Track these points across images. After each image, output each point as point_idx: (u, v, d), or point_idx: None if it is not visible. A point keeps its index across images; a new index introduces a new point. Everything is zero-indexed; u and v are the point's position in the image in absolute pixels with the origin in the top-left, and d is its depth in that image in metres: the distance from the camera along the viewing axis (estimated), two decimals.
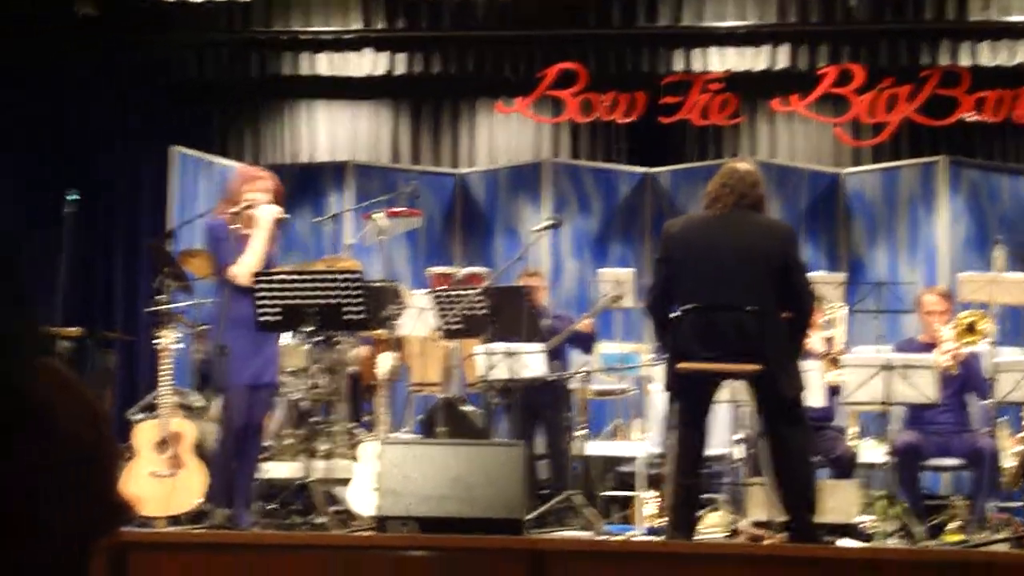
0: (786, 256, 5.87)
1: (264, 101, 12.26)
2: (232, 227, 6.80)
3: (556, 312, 9.00)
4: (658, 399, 7.90)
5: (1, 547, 1.09)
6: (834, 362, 7.79)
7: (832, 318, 8.06)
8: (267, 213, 6.82)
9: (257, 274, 6.64)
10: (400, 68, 11.24)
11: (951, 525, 7.65)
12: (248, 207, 6.87)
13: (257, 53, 11.32)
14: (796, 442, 5.89)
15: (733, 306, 5.80)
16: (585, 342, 8.66)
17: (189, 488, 6.96)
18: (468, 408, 8.81)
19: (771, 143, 11.78)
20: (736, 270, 5.82)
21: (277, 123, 12.24)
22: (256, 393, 6.82)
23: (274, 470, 8.10)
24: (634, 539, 7.05)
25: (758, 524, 6.31)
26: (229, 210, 6.85)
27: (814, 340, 7.63)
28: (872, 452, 8.23)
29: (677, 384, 5.92)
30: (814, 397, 7.05)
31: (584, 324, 8.52)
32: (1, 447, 1.09)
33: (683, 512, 5.90)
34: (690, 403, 5.92)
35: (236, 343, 6.72)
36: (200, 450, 7.25)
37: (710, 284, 5.84)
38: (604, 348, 9.16)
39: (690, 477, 5.90)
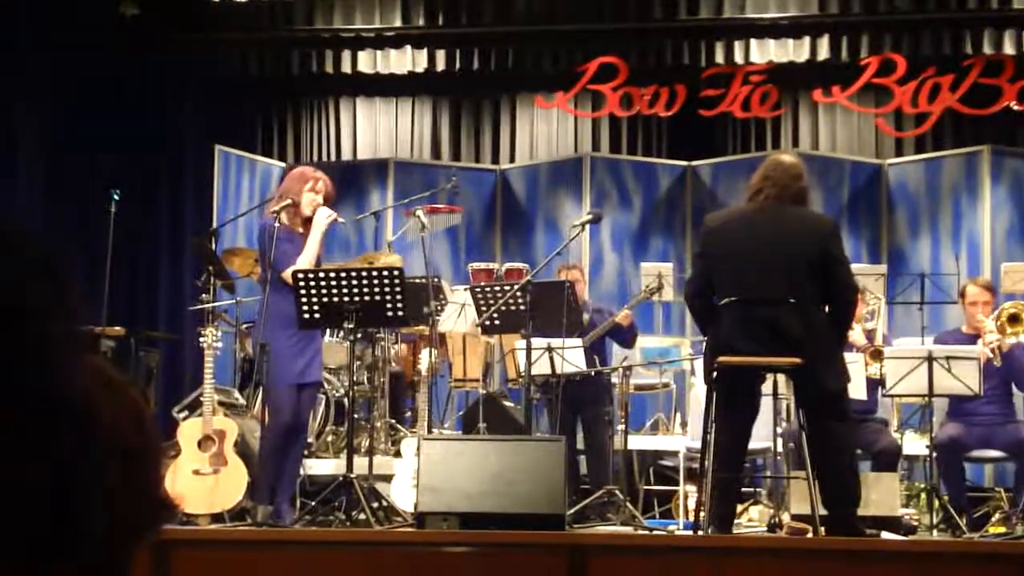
0: (827, 249, 5.82)
1: (306, 99, 12.33)
2: (280, 226, 6.85)
3: (596, 306, 8.99)
4: (699, 393, 7.88)
5: (42, 546, 1.10)
6: (875, 355, 7.74)
7: (873, 310, 8.01)
8: (323, 216, 6.89)
9: (296, 272, 6.67)
10: (440, 65, 11.26)
11: (994, 517, 7.61)
12: (291, 205, 6.91)
13: (299, 51, 11.37)
14: (838, 435, 5.85)
15: (773, 300, 5.77)
16: (625, 336, 8.65)
17: (231, 485, 7.00)
18: (509, 403, 8.82)
19: (812, 135, 11.73)
20: (776, 263, 5.78)
21: (319, 121, 12.31)
22: (301, 392, 6.87)
23: (316, 467, 8.15)
24: (675, 533, 7.03)
25: (799, 518, 6.27)
26: (277, 208, 6.91)
27: (856, 332, 7.58)
28: (914, 444, 8.18)
29: (716, 377, 5.89)
30: (856, 390, 7.00)
31: (623, 316, 8.51)
32: (41, 446, 1.10)
33: (720, 506, 5.87)
34: (728, 396, 5.90)
35: (281, 342, 6.77)
36: (242, 448, 7.29)
37: (750, 277, 5.81)
38: (644, 342, 9.15)
39: (728, 470, 5.87)
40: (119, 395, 1.20)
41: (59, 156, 10.32)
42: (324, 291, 6.61)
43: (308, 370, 6.87)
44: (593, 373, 8.16)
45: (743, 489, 8.32)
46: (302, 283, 6.62)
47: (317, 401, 7.71)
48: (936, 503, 7.34)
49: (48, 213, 10.19)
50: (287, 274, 6.76)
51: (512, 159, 12.03)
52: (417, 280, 8.29)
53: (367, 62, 11.29)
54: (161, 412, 9.27)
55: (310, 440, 8.26)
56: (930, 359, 7.25)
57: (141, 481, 1.19)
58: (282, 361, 6.76)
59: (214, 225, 10.18)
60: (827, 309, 5.88)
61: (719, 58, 10.97)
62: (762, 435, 6.77)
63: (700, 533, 5.98)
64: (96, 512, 1.13)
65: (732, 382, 5.90)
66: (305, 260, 6.85)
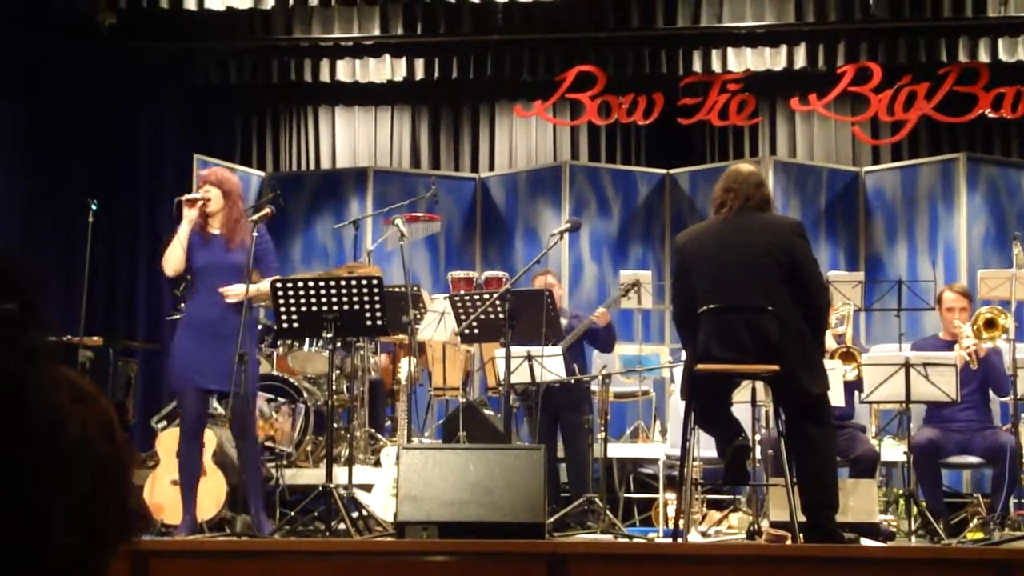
0: (793, 249, 5.83)
1: (285, 108, 12.31)
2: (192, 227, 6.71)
3: (574, 313, 8.98)
4: (678, 400, 7.88)
5: (13, 556, 1.09)
6: (847, 356, 7.74)
7: (843, 316, 8.02)
8: (183, 198, 6.71)
9: (275, 281, 6.64)
10: (419, 73, 11.23)
11: (972, 523, 7.61)
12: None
13: (278, 60, 11.34)
14: (819, 441, 5.84)
15: (749, 307, 5.77)
16: (603, 338, 8.63)
17: (210, 496, 6.96)
18: (489, 412, 8.81)
19: (790, 143, 11.76)
20: (748, 271, 5.79)
21: (298, 130, 12.28)
22: (235, 400, 6.57)
23: (296, 476, 8.13)
24: (655, 541, 7.02)
25: (778, 525, 6.27)
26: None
27: (826, 338, 7.58)
28: (892, 451, 8.19)
29: (693, 388, 5.89)
30: (834, 396, 7.00)
31: (600, 315, 8.50)
32: (10, 456, 1.09)
33: (734, 466, 5.89)
34: (704, 404, 5.90)
35: (185, 344, 6.64)
36: (220, 458, 7.26)
37: (725, 288, 5.81)
38: (623, 350, 9.15)
39: (733, 441, 5.87)
40: (89, 405, 1.19)
41: (37, 165, 10.28)
42: (303, 300, 6.59)
43: (216, 375, 6.54)
44: (573, 381, 8.15)
45: (721, 496, 8.34)
46: (280, 292, 6.59)
47: (278, 408, 7.55)
48: (914, 509, 7.35)
49: (26, 222, 10.15)
50: (165, 263, 6.64)
51: (491, 167, 12.03)
52: (396, 289, 8.27)
53: (346, 71, 11.28)
54: (140, 422, 9.23)
55: (288, 450, 8.24)
56: (907, 366, 7.26)
57: (113, 490, 1.17)
58: (182, 363, 6.62)
59: None
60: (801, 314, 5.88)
61: (697, 67, 10.98)
62: None
63: (680, 540, 5.98)
64: (66, 521, 1.12)
65: (706, 390, 5.90)
66: (170, 250, 6.65)
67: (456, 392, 8.95)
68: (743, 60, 10.88)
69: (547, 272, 8.95)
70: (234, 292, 6.54)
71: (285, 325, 6.62)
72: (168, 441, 7.19)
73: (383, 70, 11.24)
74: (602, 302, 9.82)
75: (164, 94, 11.24)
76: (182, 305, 8.26)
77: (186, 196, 6.68)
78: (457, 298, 7.69)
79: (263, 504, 6.80)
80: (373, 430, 8.77)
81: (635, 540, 6.99)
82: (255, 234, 6.70)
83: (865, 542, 6.20)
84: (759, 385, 6.24)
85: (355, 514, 6.69)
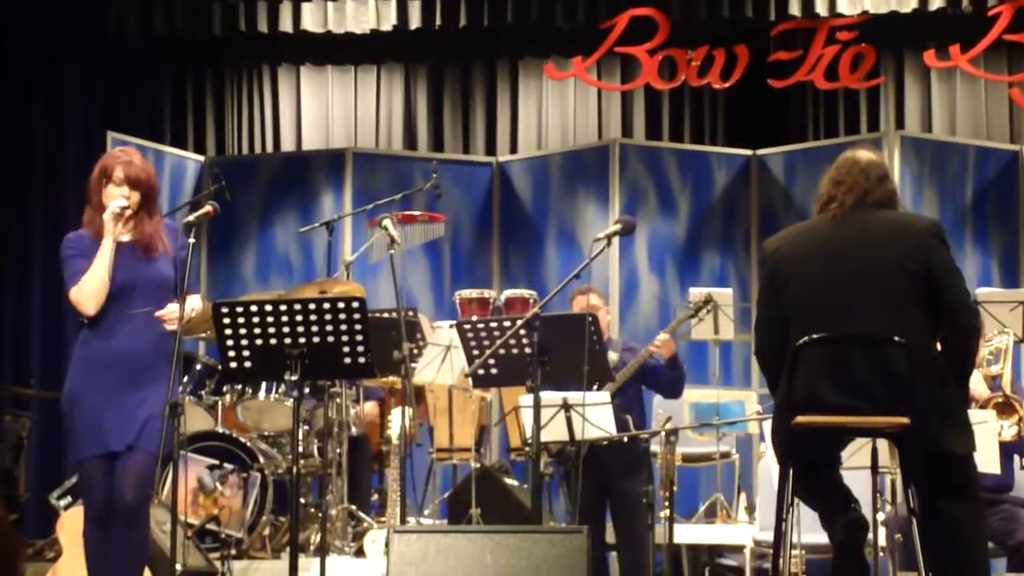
0: (930, 259, 5.81)
1: (231, 69, 12.33)
2: (84, 236, 6.54)
3: (627, 344, 8.97)
4: (770, 465, 7.87)
5: None
6: (1006, 408, 7.73)
7: (998, 349, 8.00)
8: (109, 210, 6.43)
9: (220, 304, 6.64)
10: (415, 21, 11.26)
11: None
12: (94, 209, 6.57)
13: (221, 4, 11.37)
14: (965, 521, 5.83)
15: (868, 336, 5.76)
16: (666, 377, 8.61)
17: None
18: (512, 481, 8.81)
19: (923, 112, 11.74)
20: (867, 288, 5.77)
21: (249, 99, 12.30)
22: (119, 461, 6.35)
23: (249, 570, 8.13)
24: None
25: None
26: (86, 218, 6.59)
27: (975, 380, 7.56)
28: None
29: (789, 446, 5.87)
30: (986, 460, 7.00)
31: (660, 343, 8.46)
32: None
33: (847, 551, 5.85)
34: (806, 468, 5.88)
35: (90, 393, 6.49)
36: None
37: (834, 310, 5.79)
38: (696, 396, 9.13)
39: (844, 513, 5.84)
40: None
41: None
42: (258, 330, 6.58)
43: (124, 432, 6.35)
44: (626, 439, 8.15)
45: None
46: (227, 320, 6.59)
47: (224, 479, 7.53)
48: None
49: None
50: (72, 297, 6.45)
51: (513, 149, 12.05)
52: (385, 314, 8.28)
53: (315, 17, 11.30)
54: (35, 498, 9.25)
55: (238, 535, 8.24)
56: None
57: None
58: (88, 421, 6.55)
59: None
60: (939, 346, 5.87)
61: (794, 8, 10.99)
62: None
63: None
64: None
65: (810, 449, 5.88)
66: (92, 276, 6.40)
67: (467, 455, 8.96)
68: None
69: (590, 290, 8.95)
70: (172, 314, 6.45)
71: (233, 364, 6.61)
72: (73, 524, 7.19)
73: (365, 16, 11.27)
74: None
75: (68, 52, 11.25)
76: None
77: (116, 206, 6.52)
78: (468, 326, 7.70)
79: None
80: (354, 507, 8.77)
81: None
82: (191, 240, 6.65)
83: None
84: (881, 444, 6.23)
85: None
